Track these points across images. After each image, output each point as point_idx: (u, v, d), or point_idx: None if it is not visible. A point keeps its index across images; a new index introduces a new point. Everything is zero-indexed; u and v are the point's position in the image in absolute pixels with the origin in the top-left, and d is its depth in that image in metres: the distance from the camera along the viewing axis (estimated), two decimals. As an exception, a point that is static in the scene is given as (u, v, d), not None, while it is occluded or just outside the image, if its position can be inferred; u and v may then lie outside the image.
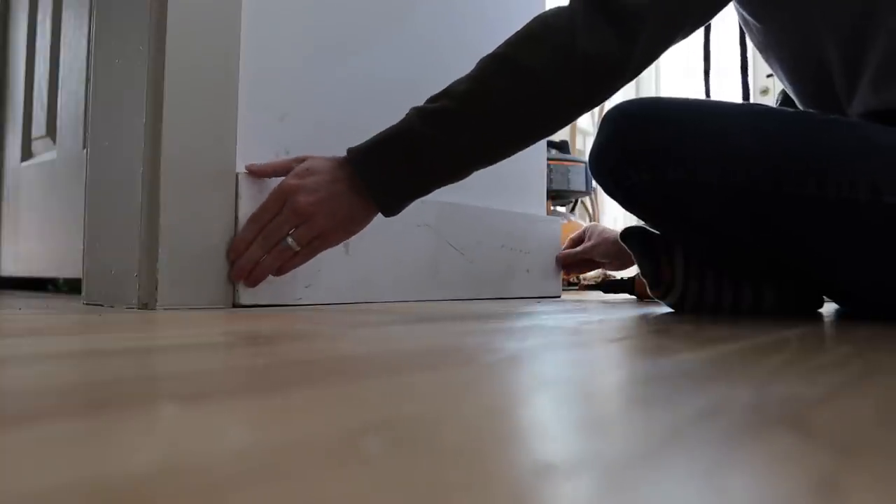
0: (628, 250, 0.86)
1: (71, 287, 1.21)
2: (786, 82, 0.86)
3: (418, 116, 0.67)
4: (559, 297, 1.26)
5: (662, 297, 0.84)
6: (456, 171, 0.70)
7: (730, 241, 0.75)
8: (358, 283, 0.88)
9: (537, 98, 0.67)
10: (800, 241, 0.71)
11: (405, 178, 0.68)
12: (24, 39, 1.36)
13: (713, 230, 0.75)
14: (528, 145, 0.72)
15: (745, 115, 0.73)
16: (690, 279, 0.82)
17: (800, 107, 0.86)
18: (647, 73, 3.64)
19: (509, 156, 0.71)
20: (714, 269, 0.82)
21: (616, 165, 0.74)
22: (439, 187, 0.70)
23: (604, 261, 1.22)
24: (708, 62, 0.99)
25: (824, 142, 0.68)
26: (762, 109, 0.75)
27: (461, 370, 0.30)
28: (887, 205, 0.65)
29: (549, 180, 1.90)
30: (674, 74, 3.53)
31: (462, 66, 1.13)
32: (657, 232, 0.84)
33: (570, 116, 0.71)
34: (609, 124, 0.74)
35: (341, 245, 0.86)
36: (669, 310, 0.85)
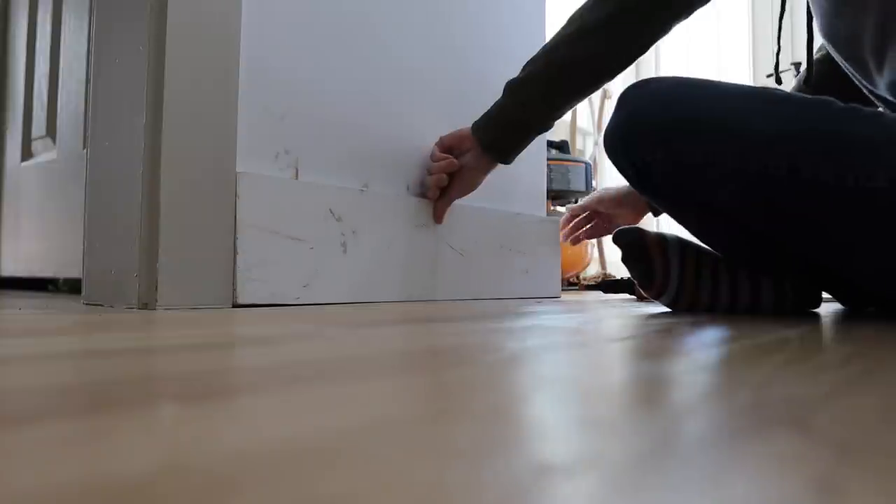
0: (619, 250, 0.86)
1: (71, 287, 1.21)
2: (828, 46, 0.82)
3: (507, 90, 0.89)
4: (559, 297, 1.26)
5: (657, 296, 0.84)
6: (545, 120, 0.89)
7: (739, 225, 0.75)
8: (356, 283, 0.88)
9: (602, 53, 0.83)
10: (812, 228, 0.70)
11: (510, 142, 0.92)
12: (24, 39, 1.36)
13: (723, 213, 0.74)
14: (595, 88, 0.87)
15: (762, 98, 0.72)
16: (686, 279, 0.82)
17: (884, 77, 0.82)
18: (647, 56, 3.65)
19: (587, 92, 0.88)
20: (711, 266, 0.82)
21: (630, 143, 0.74)
22: (542, 129, 0.91)
23: (613, 212, 1.14)
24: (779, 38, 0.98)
25: (843, 130, 0.67)
26: (780, 94, 0.73)
27: (460, 370, 0.30)
28: None
29: (549, 180, 1.91)
30: (674, 56, 3.53)
31: (462, 64, 1.13)
32: (650, 230, 0.84)
33: (631, 57, 0.84)
34: (625, 103, 0.75)
35: (339, 245, 0.86)
36: (669, 310, 0.85)
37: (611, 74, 0.86)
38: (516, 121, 0.90)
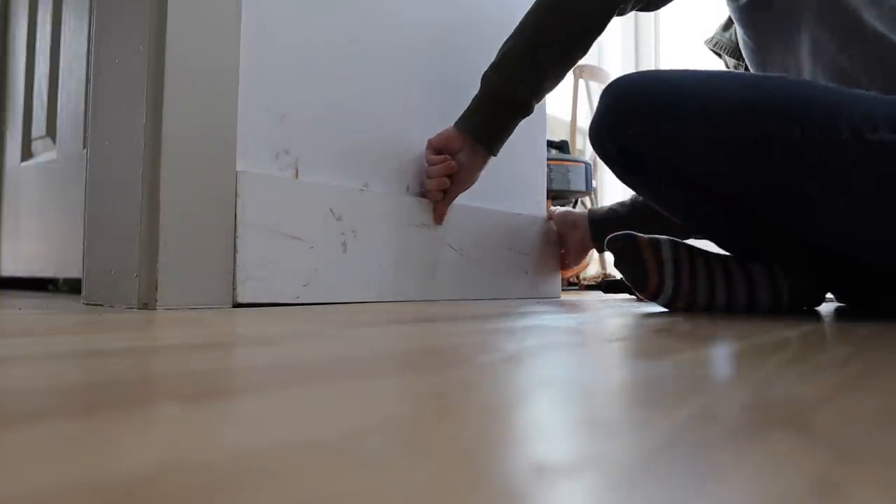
0: (612, 254, 0.87)
1: (71, 287, 1.21)
2: None
3: (483, 81, 0.92)
4: (559, 297, 1.26)
5: (653, 298, 0.85)
6: (526, 98, 0.91)
7: (720, 203, 0.78)
8: (356, 282, 0.88)
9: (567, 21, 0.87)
10: (787, 188, 0.72)
11: (496, 126, 0.94)
12: (24, 39, 1.36)
13: (704, 184, 0.77)
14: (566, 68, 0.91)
15: (732, 74, 0.79)
16: (681, 279, 0.82)
17: None
18: (647, 56, 3.65)
19: (559, 74, 0.92)
20: (706, 265, 0.83)
21: (613, 125, 0.77)
22: (525, 110, 0.93)
23: (558, 228, 1.26)
24: None
25: (805, 91, 0.72)
26: (748, 73, 0.80)
27: (460, 370, 0.30)
28: (868, 142, 0.66)
29: (549, 180, 1.90)
30: (674, 56, 3.53)
31: (462, 63, 1.13)
32: (642, 234, 0.85)
33: (598, 24, 0.88)
34: (607, 93, 0.79)
35: (339, 244, 0.86)
36: (667, 309, 0.85)
37: (582, 43, 0.89)
38: (501, 103, 0.91)
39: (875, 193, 0.69)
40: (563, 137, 2.50)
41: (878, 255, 0.75)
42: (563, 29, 0.88)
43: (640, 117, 0.75)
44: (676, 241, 0.85)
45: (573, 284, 2.08)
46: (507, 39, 0.90)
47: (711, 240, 0.85)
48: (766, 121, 0.70)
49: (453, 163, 0.95)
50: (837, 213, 0.71)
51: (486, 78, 0.91)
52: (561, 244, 1.26)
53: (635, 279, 0.85)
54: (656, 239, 0.84)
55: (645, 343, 0.46)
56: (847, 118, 0.67)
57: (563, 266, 1.29)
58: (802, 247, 0.80)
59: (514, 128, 0.95)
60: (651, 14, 3.67)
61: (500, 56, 0.90)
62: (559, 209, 1.29)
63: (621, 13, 0.89)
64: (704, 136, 0.72)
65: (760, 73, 0.80)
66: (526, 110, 0.93)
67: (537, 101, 0.93)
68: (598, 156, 0.81)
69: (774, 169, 0.71)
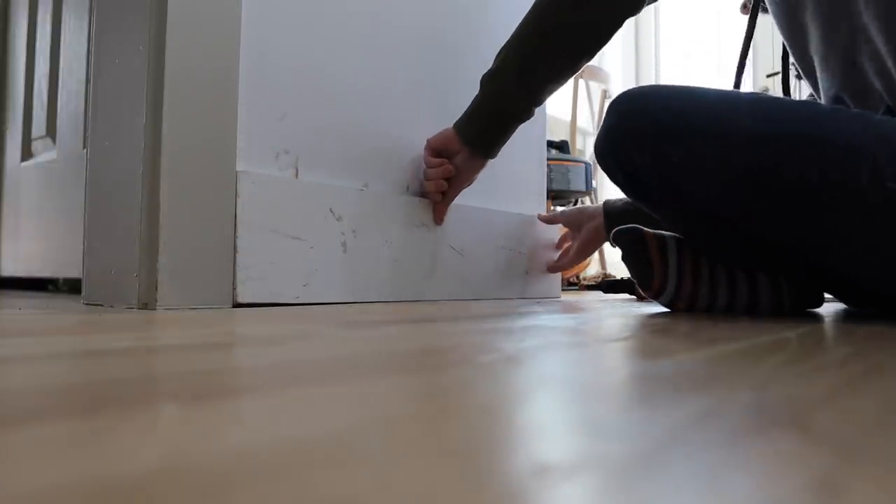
0: (619, 249, 0.87)
1: (71, 287, 1.20)
2: (815, 57, 0.81)
3: (482, 84, 0.90)
4: (558, 297, 1.26)
5: (655, 296, 0.84)
6: (525, 107, 0.90)
7: (728, 226, 0.76)
8: (356, 282, 0.88)
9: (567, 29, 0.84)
10: (800, 225, 0.70)
11: (492, 134, 0.93)
12: (24, 39, 1.36)
13: (712, 214, 0.75)
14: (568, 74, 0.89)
15: (746, 100, 0.73)
16: (684, 278, 0.82)
17: (822, 88, 0.81)
18: (647, 53, 3.65)
19: (564, 75, 0.89)
20: (709, 266, 0.82)
21: (619, 148, 0.75)
22: (524, 117, 0.92)
23: (569, 228, 1.23)
24: (744, 60, 0.99)
25: (826, 128, 0.68)
26: (764, 97, 0.74)
27: (459, 370, 0.30)
28: (889, 189, 0.64)
29: (549, 180, 1.91)
30: (674, 56, 3.53)
31: (462, 63, 1.13)
32: (648, 229, 0.85)
33: (602, 35, 0.85)
34: (614, 110, 0.76)
35: (339, 244, 0.86)
36: (668, 309, 0.85)
37: (583, 51, 0.86)
38: (496, 112, 0.90)
39: (891, 236, 0.67)
40: (563, 137, 2.50)
41: (887, 283, 0.74)
42: (568, 38, 0.84)
43: (646, 145, 0.73)
44: (681, 240, 0.85)
45: (573, 284, 2.08)
46: (505, 44, 0.88)
47: (716, 259, 0.83)
48: (782, 159, 0.67)
49: (450, 166, 0.95)
50: (849, 248, 0.70)
51: (484, 84, 0.90)
52: (569, 238, 1.23)
53: (640, 275, 0.84)
54: (662, 235, 0.84)
55: (645, 343, 0.46)
56: (867, 164, 0.65)
57: (560, 262, 1.23)
58: (810, 269, 0.79)
59: (513, 132, 0.93)
60: (651, 13, 3.67)
61: (498, 63, 0.88)
62: (560, 209, 1.28)
63: (637, 13, 0.85)
64: (714, 169, 0.70)
65: (776, 97, 0.73)
66: (525, 116, 0.91)
67: (537, 106, 0.91)
68: (603, 170, 0.80)
69: (787, 205, 0.69)
